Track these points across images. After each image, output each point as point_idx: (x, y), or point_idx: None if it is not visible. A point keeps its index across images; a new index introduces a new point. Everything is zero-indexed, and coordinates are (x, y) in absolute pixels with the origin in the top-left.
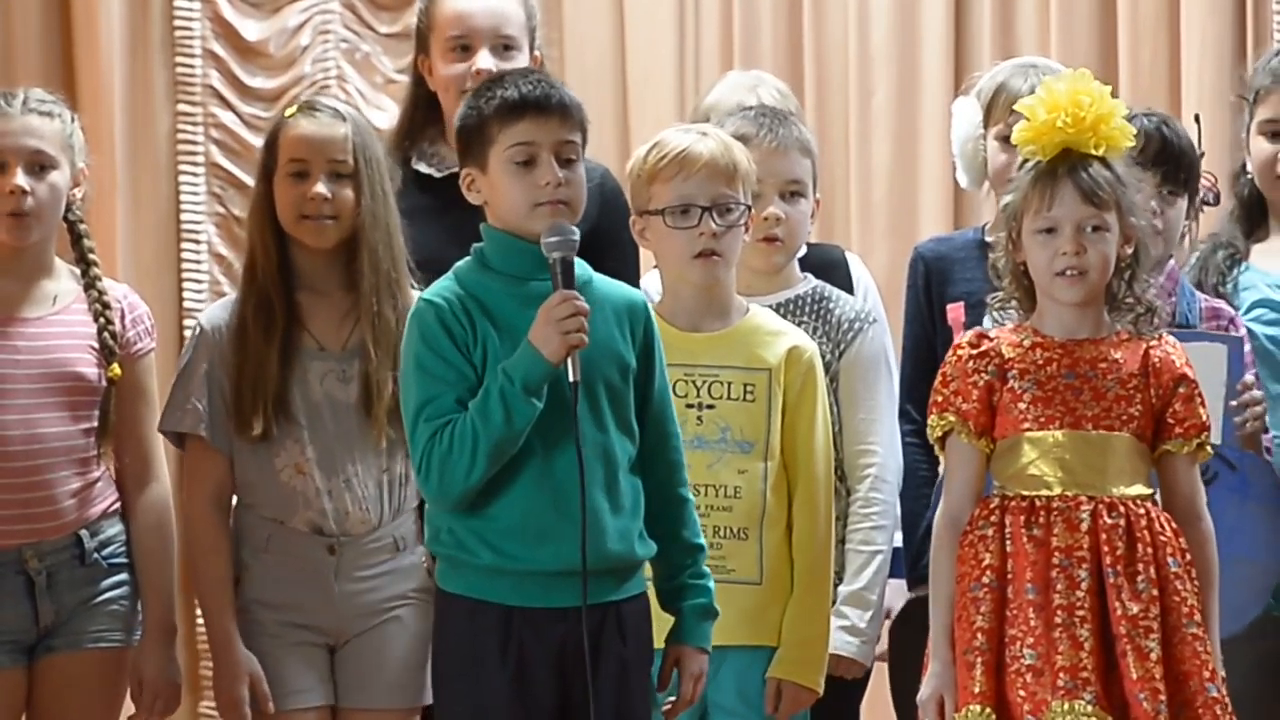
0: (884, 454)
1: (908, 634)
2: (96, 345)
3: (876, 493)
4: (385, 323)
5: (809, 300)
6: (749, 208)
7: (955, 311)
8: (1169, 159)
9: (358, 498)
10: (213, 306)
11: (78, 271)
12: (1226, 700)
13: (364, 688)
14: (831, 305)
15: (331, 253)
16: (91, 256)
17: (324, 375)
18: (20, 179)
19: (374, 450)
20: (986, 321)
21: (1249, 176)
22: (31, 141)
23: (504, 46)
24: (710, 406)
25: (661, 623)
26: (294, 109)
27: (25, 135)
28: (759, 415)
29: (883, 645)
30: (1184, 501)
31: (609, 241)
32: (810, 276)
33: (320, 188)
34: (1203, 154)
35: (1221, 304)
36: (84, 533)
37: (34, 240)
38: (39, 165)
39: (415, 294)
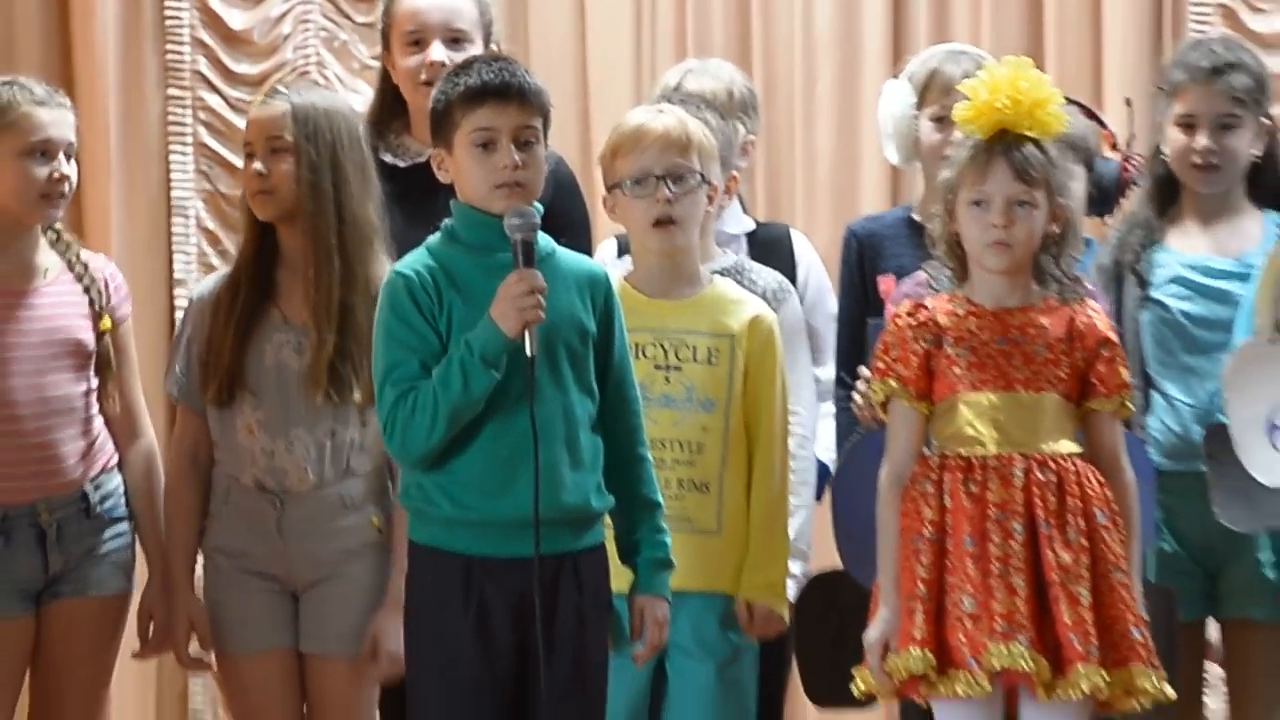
0: (805, 416)
1: (811, 612)
2: (86, 311)
3: (802, 449)
4: (326, 291)
5: (730, 273)
6: (705, 179)
7: (886, 283)
8: (1062, 139)
9: (298, 459)
10: (204, 280)
11: (60, 244)
12: (1150, 643)
13: (314, 635)
14: (754, 277)
15: (298, 228)
16: (59, 228)
17: (281, 346)
18: (65, 168)
19: (319, 416)
20: (910, 284)
21: (1164, 158)
22: (70, 133)
23: (454, 40)
24: (677, 368)
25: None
26: (262, 97)
27: (68, 127)
28: (722, 377)
29: None
30: (1108, 455)
31: (565, 222)
32: (729, 251)
33: (257, 165)
34: (1133, 136)
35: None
36: (89, 487)
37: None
38: (71, 155)
39: (386, 265)
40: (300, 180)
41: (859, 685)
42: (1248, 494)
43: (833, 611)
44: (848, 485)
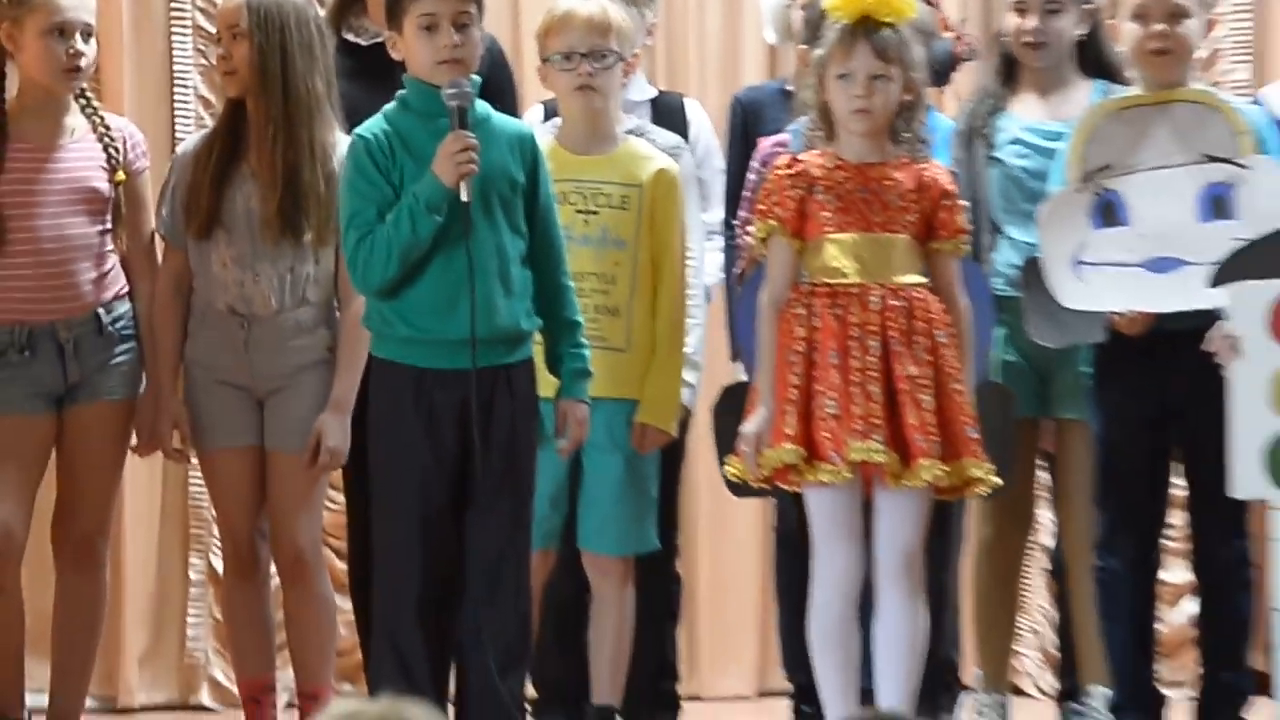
0: (696, 251)
1: (726, 415)
2: (105, 165)
3: (695, 278)
4: (271, 155)
5: (635, 134)
6: (621, 56)
7: (764, 143)
8: (912, 23)
9: (263, 288)
10: (189, 138)
11: (88, 108)
12: (980, 440)
13: (275, 434)
14: (653, 137)
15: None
16: (90, 95)
17: (250, 195)
18: (80, 45)
19: (280, 253)
20: (768, 142)
21: (1006, 39)
22: (87, 15)
23: None
24: (594, 213)
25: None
26: None
27: (85, 10)
28: (631, 220)
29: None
30: (947, 286)
31: (498, 91)
32: (634, 116)
33: (221, 49)
34: (965, 19)
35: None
36: (101, 310)
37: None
38: (89, 34)
39: (338, 136)
40: (251, 62)
41: (728, 472)
42: (1055, 315)
43: (741, 416)
44: (746, 312)
